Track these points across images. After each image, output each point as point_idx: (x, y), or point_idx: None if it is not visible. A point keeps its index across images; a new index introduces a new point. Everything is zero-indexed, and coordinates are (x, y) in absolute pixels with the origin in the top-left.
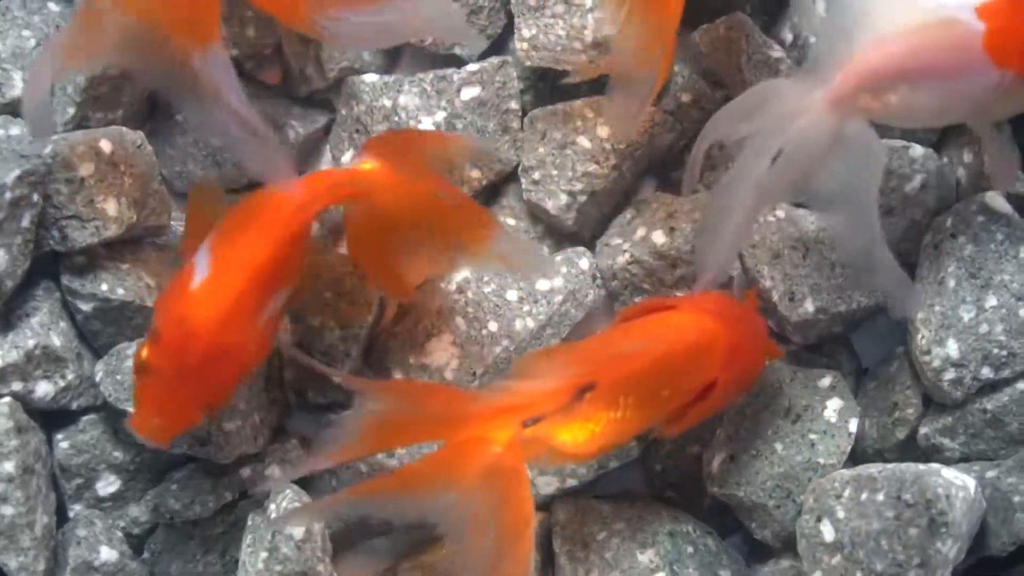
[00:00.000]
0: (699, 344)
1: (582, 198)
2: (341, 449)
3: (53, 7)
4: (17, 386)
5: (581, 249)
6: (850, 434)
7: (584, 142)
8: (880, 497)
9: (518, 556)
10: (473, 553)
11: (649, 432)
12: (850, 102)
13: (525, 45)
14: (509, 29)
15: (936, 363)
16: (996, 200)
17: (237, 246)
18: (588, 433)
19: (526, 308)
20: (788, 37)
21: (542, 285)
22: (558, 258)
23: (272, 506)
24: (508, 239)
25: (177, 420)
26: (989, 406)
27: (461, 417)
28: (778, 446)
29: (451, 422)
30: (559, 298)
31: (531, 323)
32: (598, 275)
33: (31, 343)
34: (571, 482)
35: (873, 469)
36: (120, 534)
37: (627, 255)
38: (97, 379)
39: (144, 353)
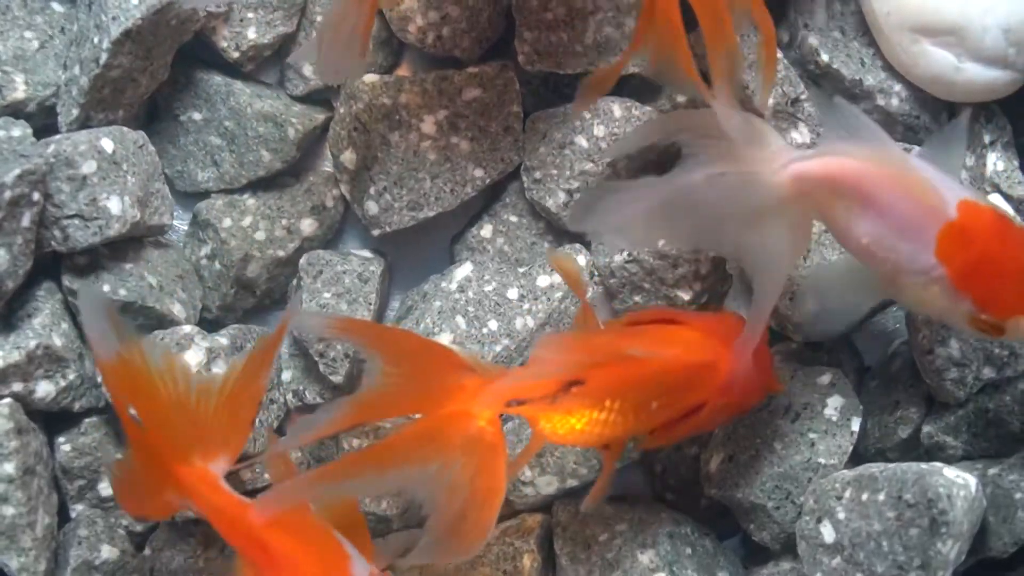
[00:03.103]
0: (699, 366)
1: (578, 196)
2: (337, 415)
3: (56, 7)
4: (18, 386)
5: (578, 246)
6: (852, 433)
7: (582, 141)
8: (881, 497)
9: (482, 522)
10: (444, 514)
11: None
12: (808, 184)
13: (527, 48)
14: (510, 32)
15: (938, 362)
16: (996, 202)
17: None
18: (567, 426)
19: (526, 306)
20: (784, 37)
21: (542, 281)
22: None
23: None
24: None
25: None
26: (991, 405)
27: (451, 387)
28: (777, 446)
29: (440, 390)
30: (559, 295)
31: (531, 321)
32: (595, 272)
33: (32, 343)
34: (571, 482)
35: (875, 469)
36: (123, 532)
37: (625, 253)
38: (99, 379)
39: None
